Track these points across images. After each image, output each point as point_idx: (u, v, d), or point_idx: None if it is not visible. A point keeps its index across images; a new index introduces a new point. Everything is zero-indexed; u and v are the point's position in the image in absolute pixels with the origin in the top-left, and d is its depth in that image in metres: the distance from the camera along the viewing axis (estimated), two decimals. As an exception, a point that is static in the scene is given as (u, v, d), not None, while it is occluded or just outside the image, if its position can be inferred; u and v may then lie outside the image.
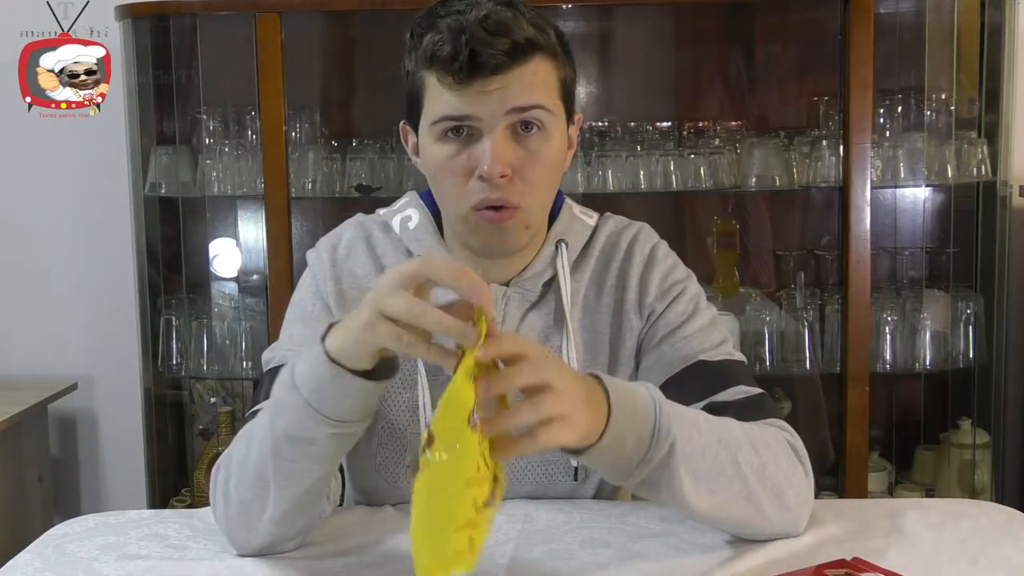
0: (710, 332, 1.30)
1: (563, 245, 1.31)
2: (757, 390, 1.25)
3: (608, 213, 1.40)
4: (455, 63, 1.13)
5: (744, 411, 1.21)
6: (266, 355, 1.31)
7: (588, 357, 1.32)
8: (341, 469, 1.39)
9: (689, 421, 1.08)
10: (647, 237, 1.36)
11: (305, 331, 1.28)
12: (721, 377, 1.25)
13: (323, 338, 1.00)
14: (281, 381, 1.05)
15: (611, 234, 1.36)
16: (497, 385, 0.92)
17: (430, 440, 0.87)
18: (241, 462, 1.12)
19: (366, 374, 0.99)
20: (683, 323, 1.30)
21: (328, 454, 1.07)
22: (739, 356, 1.30)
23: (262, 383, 1.27)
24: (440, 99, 1.17)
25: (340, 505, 1.39)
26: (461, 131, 1.18)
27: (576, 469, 1.32)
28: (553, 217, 1.33)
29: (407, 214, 1.34)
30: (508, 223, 1.21)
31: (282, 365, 1.18)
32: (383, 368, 1.00)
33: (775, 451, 1.16)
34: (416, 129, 1.24)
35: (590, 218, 1.36)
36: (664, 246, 1.36)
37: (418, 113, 1.22)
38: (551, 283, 1.32)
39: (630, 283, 1.32)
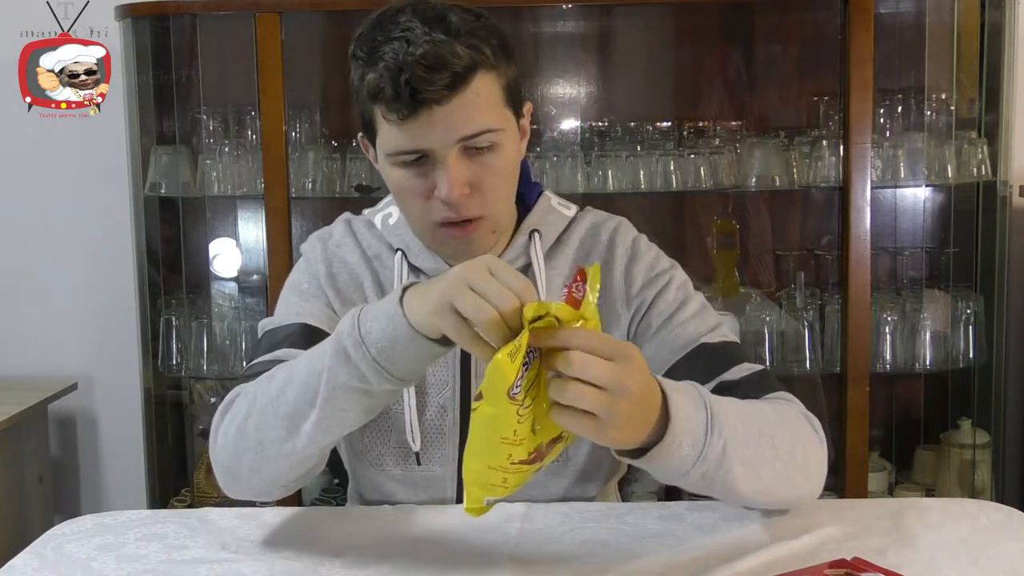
0: (704, 316, 1.33)
1: (536, 235, 1.35)
2: (760, 366, 1.30)
3: (588, 207, 1.43)
4: (397, 103, 1.16)
5: (753, 387, 1.26)
6: (264, 323, 1.36)
7: None
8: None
9: (734, 413, 1.11)
10: (627, 230, 1.40)
11: (302, 302, 1.35)
12: (725, 357, 1.29)
13: (400, 301, 1.04)
14: (345, 334, 1.07)
15: (592, 226, 1.39)
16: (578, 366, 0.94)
17: (479, 396, 0.94)
18: (269, 402, 1.15)
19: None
20: (677, 310, 1.33)
21: (379, 405, 1.14)
22: (733, 338, 1.34)
23: (261, 342, 1.33)
24: (390, 133, 1.21)
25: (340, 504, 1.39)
26: (416, 157, 1.22)
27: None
28: (530, 208, 1.37)
29: (388, 212, 1.41)
30: (474, 234, 1.26)
31: (283, 326, 1.29)
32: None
33: (799, 429, 1.22)
34: (373, 143, 1.28)
35: (568, 210, 1.40)
36: (644, 238, 1.40)
37: (372, 133, 1.26)
38: (525, 271, 1.34)
39: (614, 275, 1.35)
